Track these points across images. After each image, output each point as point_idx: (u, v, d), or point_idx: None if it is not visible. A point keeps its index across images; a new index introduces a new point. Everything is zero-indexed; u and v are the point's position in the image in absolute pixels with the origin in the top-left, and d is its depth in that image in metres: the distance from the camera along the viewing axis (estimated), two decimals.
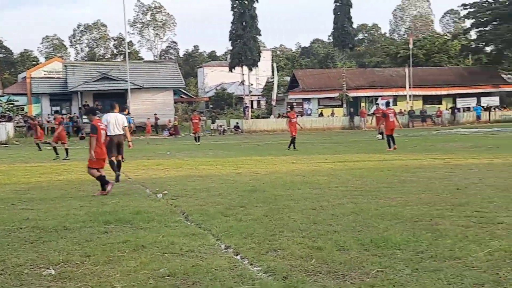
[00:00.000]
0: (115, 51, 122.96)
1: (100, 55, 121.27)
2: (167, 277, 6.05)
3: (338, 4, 64.06)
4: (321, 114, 61.73)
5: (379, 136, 32.53)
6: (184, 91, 72.18)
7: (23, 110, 62.97)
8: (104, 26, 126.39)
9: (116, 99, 55.46)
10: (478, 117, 58.65)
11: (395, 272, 5.97)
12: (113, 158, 15.46)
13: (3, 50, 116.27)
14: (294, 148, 26.42)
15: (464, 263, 6.19)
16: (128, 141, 16.37)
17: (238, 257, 6.88)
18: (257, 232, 8.07)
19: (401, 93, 61.90)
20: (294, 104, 53.37)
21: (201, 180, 15.02)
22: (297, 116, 29.76)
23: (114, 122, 15.42)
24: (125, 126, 15.89)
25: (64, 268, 6.56)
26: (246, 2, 62.16)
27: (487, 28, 69.95)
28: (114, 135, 15.32)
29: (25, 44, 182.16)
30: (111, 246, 7.49)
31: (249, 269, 6.33)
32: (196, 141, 36.90)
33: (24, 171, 19.58)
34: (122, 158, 16.25)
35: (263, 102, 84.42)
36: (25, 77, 66.61)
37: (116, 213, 9.96)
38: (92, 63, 76.81)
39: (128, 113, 54.16)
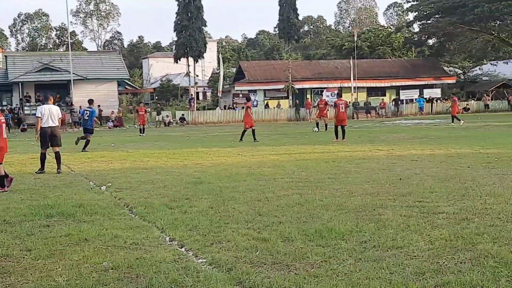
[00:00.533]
0: (57, 41, 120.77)
1: (42, 45, 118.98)
2: (111, 271, 5.98)
3: None
4: (267, 106, 61.85)
5: (316, 129, 32.92)
6: (128, 82, 71.40)
7: None
8: (46, 15, 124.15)
9: (58, 90, 55.55)
10: (421, 108, 59.59)
11: (338, 262, 6.03)
12: (45, 150, 15.72)
13: None
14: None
15: (406, 253, 6.29)
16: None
17: (183, 249, 6.85)
18: (202, 224, 8.05)
19: (345, 84, 62.53)
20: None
21: (145, 172, 14.89)
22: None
23: (48, 114, 15.56)
24: (59, 117, 15.99)
25: (5, 263, 6.43)
26: None
27: (429, 21, 71.13)
28: (48, 126, 15.53)
29: None
30: (53, 240, 7.37)
31: (193, 261, 6.31)
32: (141, 133, 37.06)
33: None
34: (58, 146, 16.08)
35: (209, 94, 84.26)
36: None
37: (59, 206, 9.80)
38: (33, 54, 75.39)
39: (71, 105, 53.92)
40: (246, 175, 13.53)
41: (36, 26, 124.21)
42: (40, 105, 20.27)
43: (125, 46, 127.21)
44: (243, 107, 49.18)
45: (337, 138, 24.40)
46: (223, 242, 7.02)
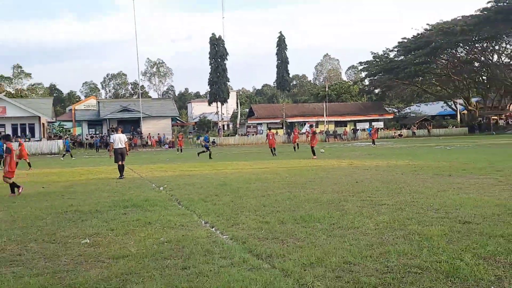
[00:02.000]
0: (132, 92, 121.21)
1: (121, 94, 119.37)
2: (166, 243, 5.98)
3: (279, 61, 65.00)
4: (277, 133, 62.14)
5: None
6: (178, 118, 71.74)
7: (69, 131, 62.04)
8: (125, 75, 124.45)
9: (133, 124, 55.90)
10: (370, 134, 59.39)
11: (316, 237, 6.00)
12: (119, 163, 15.96)
13: (56, 91, 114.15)
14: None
15: (360, 231, 6.24)
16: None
17: (213, 229, 6.83)
18: (225, 212, 8.02)
19: (320, 119, 62.79)
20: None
21: (189, 178, 14.87)
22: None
23: (118, 140, 16.08)
24: (125, 141, 16.32)
25: (96, 238, 6.44)
26: (219, 60, 62.39)
27: (375, 78, 71.29)
28: (118, 148, 16.00)
29: (71, 87, 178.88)
30: (128, 223, 7.38)
31: (220, 237, 6.30)
32: (179, 152, 37.51)
33: (70, 173, 19.18)
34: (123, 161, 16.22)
35: (231, 125, 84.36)
36: (71, 109, 65.47)
37: (132, 200, 9.81)
38: (116, 100, 76.03)
39: (141, 133, 54.06)
40: (255, 179, 13.48)
41: (118, 82, 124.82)
42: (113, 134, 20.65)
43: (176, 94, 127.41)
44: (252, 134, 49.19)
45: (314, 155, 23.26)
46: (240, 224, 7.00)
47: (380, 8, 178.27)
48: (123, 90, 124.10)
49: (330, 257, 5.05)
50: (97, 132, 58.99)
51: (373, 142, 38.09)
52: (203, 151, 27.12)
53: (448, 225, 6.37)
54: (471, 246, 5.25)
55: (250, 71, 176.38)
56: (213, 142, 55.82)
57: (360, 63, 75.41)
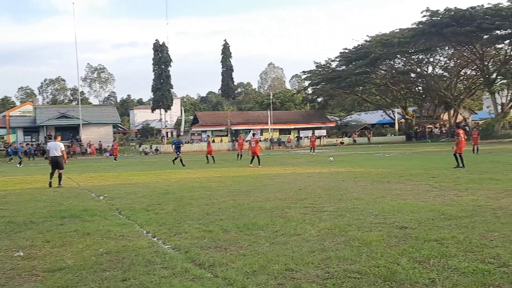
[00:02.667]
0: (71, 98, 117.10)
1: (60, 100, 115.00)
2: (105, 255, 5.80)
3: (224, 69, 65.25)
4: (213, 141, 61.77)
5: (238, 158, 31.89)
6: (120, 125, 70.09)
7: (3, 138, 59.11)
8: (63, 80, 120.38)
9: (70, 132, 54.32)
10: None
11: (259, 245, 6.01)
12: (56, 171, 15.58)
13: None
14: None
15: (303, 238, 6.32)
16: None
17: (155, 239, 6.69)
18: (168, 222, 7.89)
19: (265, 127, 63.32)
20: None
21: (130, 187, 14.52)
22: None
23: (53, 147, 15.73)
24: (62, 150, 15.81)
25: (30, 251, 6.15)
26: (163, 66, 61.80)
27: (318, 87, 72.81)
28: (53, 156, 15.59)
29: (5, 92, 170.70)
30: (65, 234, 7.10)
31: (162, 246, 6.18)
32: (114, 160, 36.71)
33: (3, 182, 18.21)
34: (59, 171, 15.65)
35: (174, 133, 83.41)
36: (5, 115, 62.33)
37: (70, 210, 9.44)
38: (54, 106, 73.26)
39: (80, 140, 52.32)
40: (199, 187, 13.36)
41: (57, 88, 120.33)
42: (50, 141, 20.06)
43: (118, 101, 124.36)
44: (197, 142, 48.77)
45: (251, 163, 22.44)
46: (182, 233, 6.90)
47: (323, 18, 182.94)
48: (62, 96, 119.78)
49: (272, 265, 5.08)
50: (33, 140, 56.52)
51: (312, 150, 38.70)
52: (176, 158, 26.17)
53: (386, 230, 6.59)
54: (407, 250, 5.46)
55: (195, 79, 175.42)
56: (156, 150, 54.94)
57: (304, 72, 76.93)
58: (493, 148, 34.13)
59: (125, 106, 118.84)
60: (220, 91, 78.50)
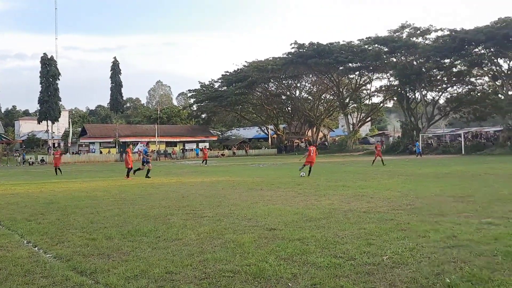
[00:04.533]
0: None
1: None
2: None
3: (113, 85, 62.57)
4: (101, 152, 58.58)
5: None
6: (3, 135, 63.24)
7: None
8: None
9: None
10: (197, 154, 60.40)
11: (141, 250, 5.78)
12: None
13: None
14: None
15: (183, 242, 6.20)
16: None
17: (36, 248, 6.10)
18: (51, 231, 7.24)
19: (152, 139, 61.61)
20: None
21: (12, 197, 13.09)
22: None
23: None
24: None
25: None
26: (51, 79, 57.43)
27: (202, 104, 72.85)
28: None
29: None
30: None
31: (43, 256, 5.65)
32: None
33: None
34: None
35: (62, 144, 77.45)
36: None
37: None
38: None
39: None
40: (84, 197, 12.49)
41: None
42: None
43: (3, 111, 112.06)
44: (85, 152, 45.67)
45: (130, 175, 20.45)
46: (65, 242, 6.38)
47: (208, 43, 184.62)
48: None
49: (153, 269, 4.90)
50: None
51: (204, 162, 37.65)
52: (141, 169, 21.31)
53: (258, 232, 6.74)
54: (274, 249, 5.62)
55: (85, 92, 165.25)
56: (42, 160, 50.56)
57: (189, 90, 76.94)
58: (346, 160, 37.02)
59: (10, 117, 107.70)
60: (109, 105, 74.82)
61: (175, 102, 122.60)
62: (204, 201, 10.87)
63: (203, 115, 77.64)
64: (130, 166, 20.86)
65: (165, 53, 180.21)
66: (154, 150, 59.70)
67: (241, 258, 5.24)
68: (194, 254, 5.50)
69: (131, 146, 24.25)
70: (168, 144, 65.90)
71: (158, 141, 61.32)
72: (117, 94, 62.57)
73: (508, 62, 44.97)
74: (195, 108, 78.09)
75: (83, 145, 59.27)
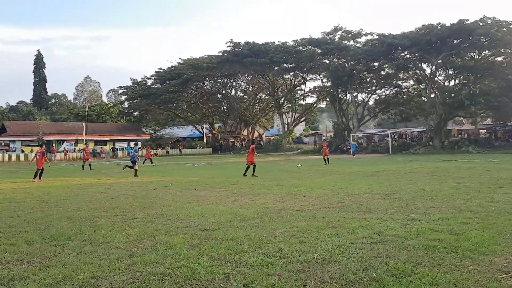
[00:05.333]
0: None
1: None
2: None
3: (36, 79, 59.04)
4: (22, 151, 54.96)
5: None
6: None
7: None
8: None
9: None
10: (128, 153, 58.62)
11: (65, 255, 5.50)
12: None
13: None
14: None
15: (111, 245, 5.99)
16: None
17: None
18: None
19: (80, 138, 58.97)
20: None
21: None
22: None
23: None
24: None
25: None
26: None
27: (134, 102, 70.81)
28: None
29: None
30: None
31: None
32: None
33: None
34: None
35: None
36: None
37: None
38: None
39: None
40: (2, 199, 11.61)
41: None
42: None
43: None
44: (4, 152, 42.69)
45: (38, 178, 18.75)
46: None
47: (140, 39, 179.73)
48: None
49: (78, 274, 4.68)
50: None
51: (146, 161, 35.75)
52: (131, 166, 21.45)
53: (191, 233, 6.66)
54: (207, 250, 5.58)
55: (4, 87, 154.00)
56: None
57: (120, 87, 74.30)
58: (281, 159, 37.72)
59: None
60: (32, 101, 70.37)
61: (105, 99, 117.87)
62: (134, 202, 10.57)
63: (135, 113, 75.49)
64: (40, 167, 19.23)
65: (94, 48, 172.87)
66: (81, 149, 57.24)
67: (173, 260, 5.15)
68: (123, 258, 5.31)
69: (44, 146, 22.40)
70: (97, 142, 63.30)
71: (86, 140, 58.78)
72: (41, 89, 59.26)
73: (430, 66, 48.17)
74: (126, 106, 75.67)
75: (3, 144, 55.29)
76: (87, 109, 66.85)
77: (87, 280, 4.49)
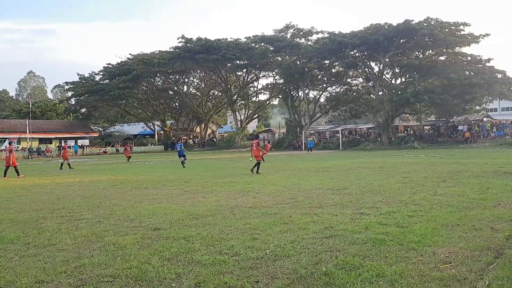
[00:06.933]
0: None
1: None
2: None
3: None
4: None
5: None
6: None
7: None
8: None
9: None
10: (76, 152, 56.62)
11: (7, 259, 5.26)
12: None
13: None
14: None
15: (57, 248, 5.77)
16: None
17: None
18: None
19: (23, 136, 56.27)
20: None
21: None
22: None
23: None
24: None
25: None
26: None
27: (82, 98, 68.32)
28: None
29: None
30: None
31: None
32: None
33: None
34: None
35: None
36: None
37: None
38: None
39: None
40: None
41: None
42: None
43: None
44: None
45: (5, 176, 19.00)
46: None
47: (85, 34, 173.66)
48: None
49: (21, 279, 4.48)
50: None
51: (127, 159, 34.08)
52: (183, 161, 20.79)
53: (141, 233, 6.53)
54: (158, 249, 5.50)
55: None
56: None
57: (67, 83, 71.37)
58: (234, 156, 37.72)
59: None
60: None
61: (50, 95, 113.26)
62: (82, 202, 10.24)
63: (83, 110, 72.89)
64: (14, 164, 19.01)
65: (37, 42, 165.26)
66: (25, 148, 54.62)
67: (122, 261, 5.03)
68: (70, 260, 5.14)
69: None
70: (42, 140, 60.61)
71: (29, 138, 56.17)
72: None
73: (378, 65, 49.79)
74: (73, 102, 72.90)
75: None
76: (30, 106, 63.96)
77: (31, 285, 4.31)
